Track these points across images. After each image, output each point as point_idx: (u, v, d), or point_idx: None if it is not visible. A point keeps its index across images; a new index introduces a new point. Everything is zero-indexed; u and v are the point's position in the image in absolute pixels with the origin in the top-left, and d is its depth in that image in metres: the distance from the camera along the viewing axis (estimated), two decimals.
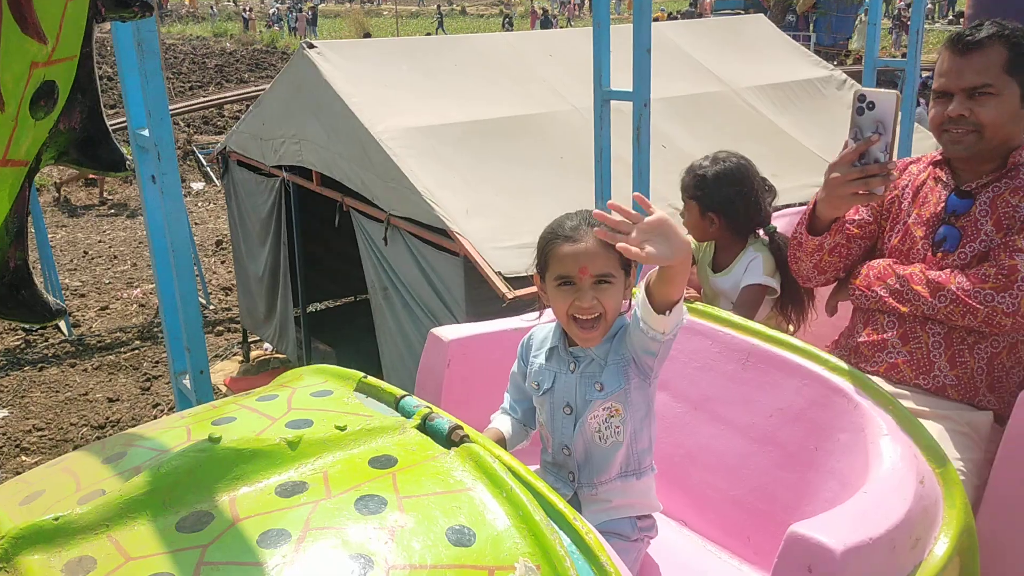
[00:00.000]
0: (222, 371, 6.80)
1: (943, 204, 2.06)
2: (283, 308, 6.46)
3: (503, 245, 4.44)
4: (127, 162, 1.07)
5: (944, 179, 2.09)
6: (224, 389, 6.37)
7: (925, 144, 5.26)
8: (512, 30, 29.14)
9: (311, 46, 5.26)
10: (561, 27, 29.39)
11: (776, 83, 6.55)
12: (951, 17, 33.99)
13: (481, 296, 4.41)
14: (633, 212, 1.49)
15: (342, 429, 1.40)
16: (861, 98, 1.81)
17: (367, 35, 25.09)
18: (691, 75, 6.30)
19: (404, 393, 1.52)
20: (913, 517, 1.43)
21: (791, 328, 2.38)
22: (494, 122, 5.23)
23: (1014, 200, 1.97)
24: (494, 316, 4.37)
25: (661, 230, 1.46)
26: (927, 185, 2.12)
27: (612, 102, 3.59)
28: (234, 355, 7.21)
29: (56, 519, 1.17)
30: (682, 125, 5.79)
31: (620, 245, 1.47)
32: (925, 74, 8.23)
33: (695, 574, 1.79)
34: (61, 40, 0.93)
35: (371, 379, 1.58)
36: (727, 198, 2.37)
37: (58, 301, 1.06)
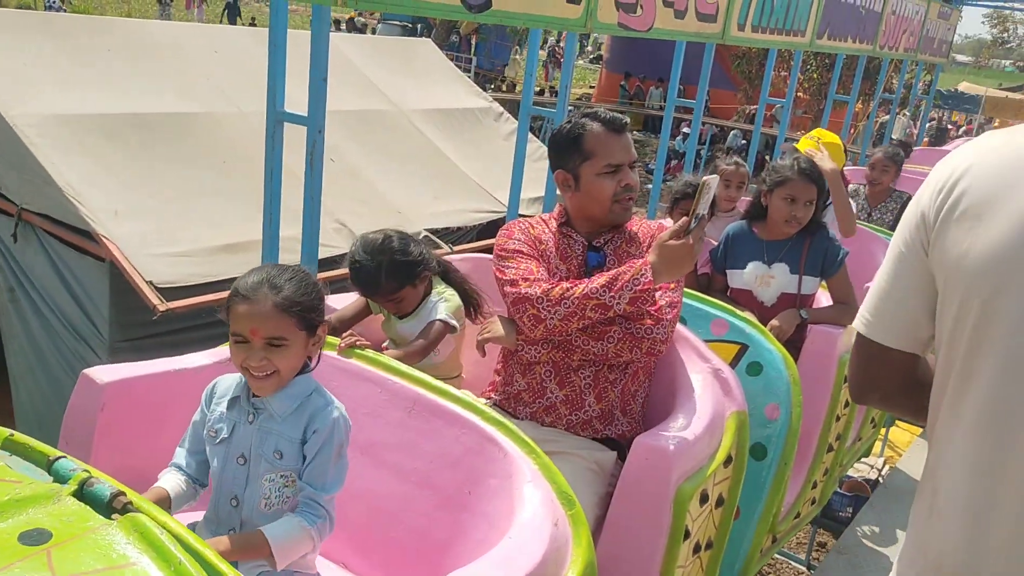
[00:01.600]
0: None
1: (582, 258, 2.42)
2: None
3: (157, 252, 4.18)
4: None
5: (575, 237, 2.45)
6: None
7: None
8: (169, 17, 26.46)
9: None
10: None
11: (441, 108, 6.87)
12: (592, 58, 37.80)
13: (128, 306, 4.13)
14: None
15: None
16: (706, 185, 2.13)
17: None
18: (361, 91, 6.40)
19: (59, 454, 1.41)
20: (548, 558, 1.64)
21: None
22: (152, 117, 4.89)
23: (631, 249, 2.41)
24: (144, 329, 4.15)
25: None
26: (562, 243, 2.45)
27: None
28: None
29: None
30: (351, 139, 5.86)
31: None
32: None
33: None
34: None
35: (20, 436, 1.45)
36: (403, 277, 2.49)
37: None
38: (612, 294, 2.19)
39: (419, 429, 2.02)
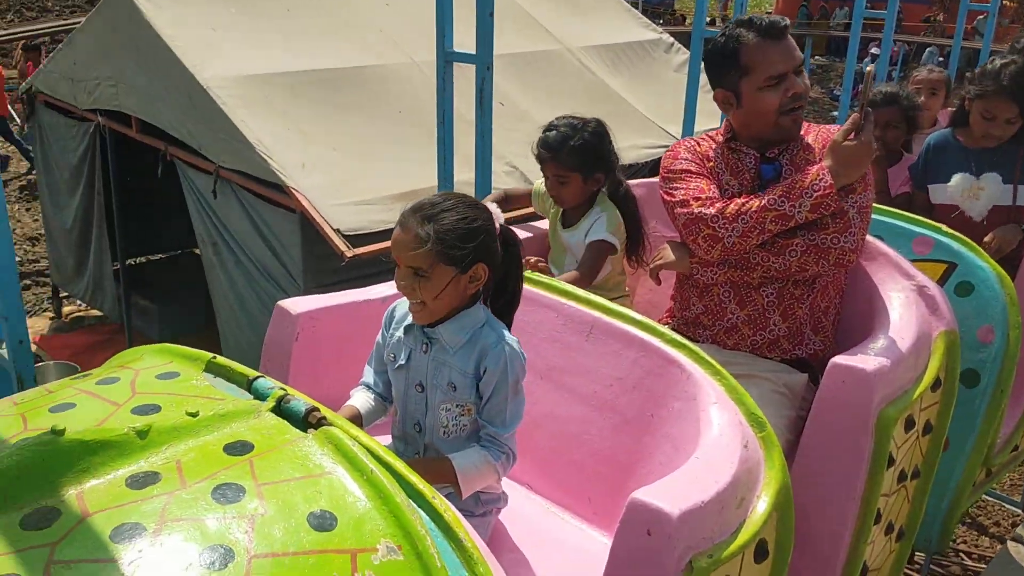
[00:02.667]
0: (31, 328, 6.31)
1: (755, 171, 2.27)
2: (97, 262, 6.05)
3: (342, 201, 4.36)
4: None
5: (745, 151, 2.30)
6: (35, 348, 5.94)
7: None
8: None
9: None
10: None
11: (608, 44, 6.71)
12: None
13: (319, 254, 4.34)
14: None
15: (194, 415, 1.36)
16: (869, 75, 2.10)
17: None
18: (527, 32, 6.35)
19: (257, 374, 1.49)
20: (738, 479, 1.57)
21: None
22: (331, 72, 5.08)
23: (809, 157, 2.23)
24: (333, 275, 4.36)
25: None
26: (731, 158, 2.30)
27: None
28: (44, 311, 6.71)
29: None
30: (518, 83, 5.85)
31: None
32: None
33: (540, 537, 1.89)
34: None
35: (221, 359, 1.54)
36: (582, 161, 2.51)
37: None
38: (792, 203, 2.09)
39: (598, 353, 1.99)
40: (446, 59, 3.54)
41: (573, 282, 2.36)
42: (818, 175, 2.08)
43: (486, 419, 1.72)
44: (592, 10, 7.04)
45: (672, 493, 1.46)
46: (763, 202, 2.11)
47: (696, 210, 2.16)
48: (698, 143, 2.36)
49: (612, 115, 6.18)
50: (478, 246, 1.65)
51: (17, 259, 7.43)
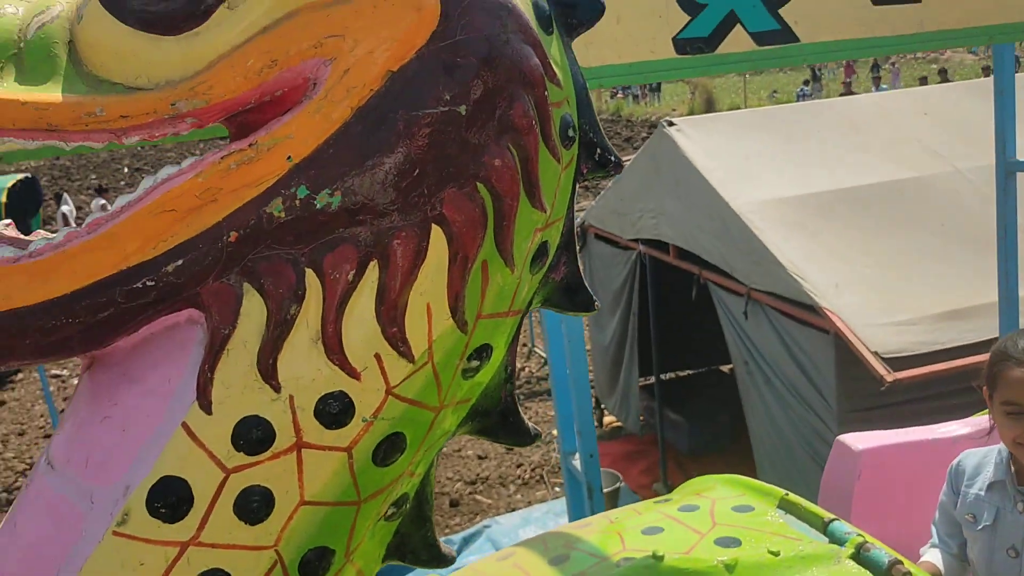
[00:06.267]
0: None
1: None
2: (626, 379, 6.57)
3: (880, 322, 4.17)
4: (596, 303, 1.17)
5: None
6: None
7: None
8: (820, 91, 26.31)
9: (671, 124, 5.39)
10: None
11: None
12: None
13: (855, 376, 4.17)
14: None
15: (775, 554, 1.37)
16: None
17: (709, 99, 25.31)
18: None
19: (832, 516, 1.46)
20: None
21: None
22: (863, 189, 4.97)
23: None
24: (871, 400, 4.14)
25: None
26: None
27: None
28: None
29: None
30: None
31: None
32: None
33: None
34: (555, 206, 1.05)
35: (793, 496, 1.54)
36: None
37: (534, 426, 1.17)
38: None
39: None
40: (1008, 169, 3.22)
41: None
42: None
43: None
44: None
45: None
46: None
47: None
48: None
49: None
50: None
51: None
